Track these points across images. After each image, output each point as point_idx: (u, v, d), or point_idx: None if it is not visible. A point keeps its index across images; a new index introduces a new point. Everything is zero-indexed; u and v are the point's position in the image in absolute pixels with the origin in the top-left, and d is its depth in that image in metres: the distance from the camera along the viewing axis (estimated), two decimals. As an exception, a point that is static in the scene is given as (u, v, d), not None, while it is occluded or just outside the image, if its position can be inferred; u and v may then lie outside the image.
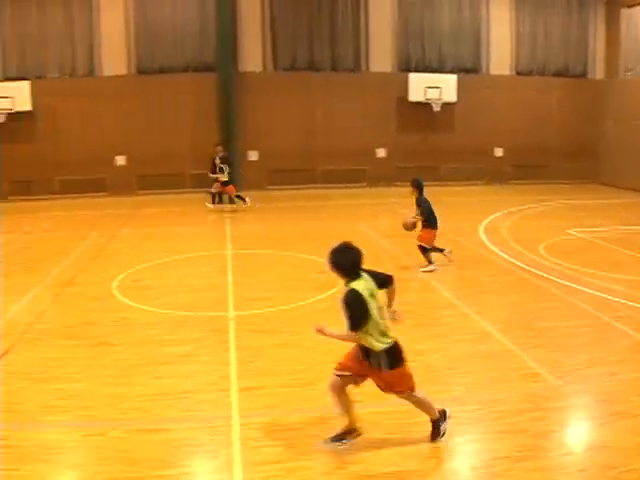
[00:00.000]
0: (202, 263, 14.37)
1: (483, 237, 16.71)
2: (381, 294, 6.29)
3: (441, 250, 13.49)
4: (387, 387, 6.27)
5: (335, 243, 6.14)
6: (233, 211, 21.46)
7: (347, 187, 25.82)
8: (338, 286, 11.73)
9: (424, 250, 13.23)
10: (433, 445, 6.42)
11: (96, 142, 25.30)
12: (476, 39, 27.47)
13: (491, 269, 13.69)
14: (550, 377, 7.99)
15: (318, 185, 25.75)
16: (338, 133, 26.21)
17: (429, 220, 13.14)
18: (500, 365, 8.44)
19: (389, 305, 6.52)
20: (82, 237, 17.37)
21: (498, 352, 8.91)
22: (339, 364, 6.30)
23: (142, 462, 6.19)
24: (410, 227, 13.18)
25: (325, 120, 26.37)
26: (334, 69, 26.58)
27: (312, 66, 26.38)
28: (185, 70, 25.76)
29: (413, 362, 8.14)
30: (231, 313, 10.65)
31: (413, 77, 26.29)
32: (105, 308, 11.23)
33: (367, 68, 26.97)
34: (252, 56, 26.09)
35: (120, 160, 25.78)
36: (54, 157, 25.39)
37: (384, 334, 6.08)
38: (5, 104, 24.56)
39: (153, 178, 25.39)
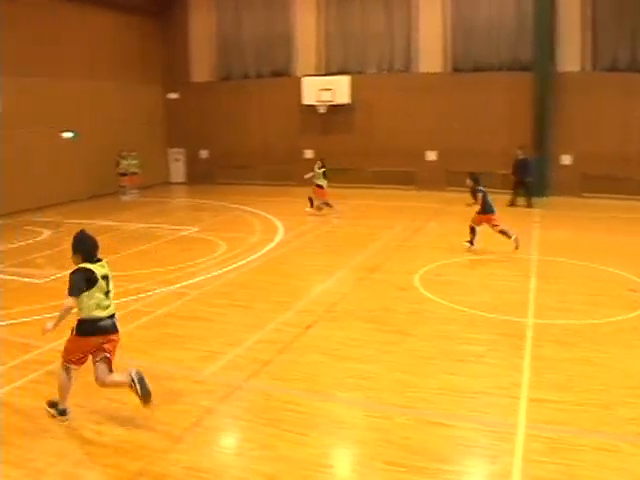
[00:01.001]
0: (505, 265, 14.07)
1: None
2: None
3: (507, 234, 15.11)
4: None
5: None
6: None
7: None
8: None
9: (472, 230, 15.20)
10: None
11: (408, 136, 26.04)
12: None
13: None
14: None
15: (636, 196, 23.81)
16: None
17: (484, 206, 14.99)
18: None
19: None
20: (389, 227, 17.96)
21: None
22: None
23: (422, 452, 6.24)
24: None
25: (645, 126, 24.28)
26: (660, 70, 24.30)
27: (634, 67, 24.36)
28: (500, 68, 25.27)
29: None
30: (530, 320, 10.27)
31: None
32: (405, 298, 11.50)
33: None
34: (570, 55, 24.69)
35: (431, 155, 26.20)
36: (368, 148, 26.60)
37: (102, 308, 6.93)
38: (327, 96, 26.46)
39: (461, 175, 25.39)
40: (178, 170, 31.25)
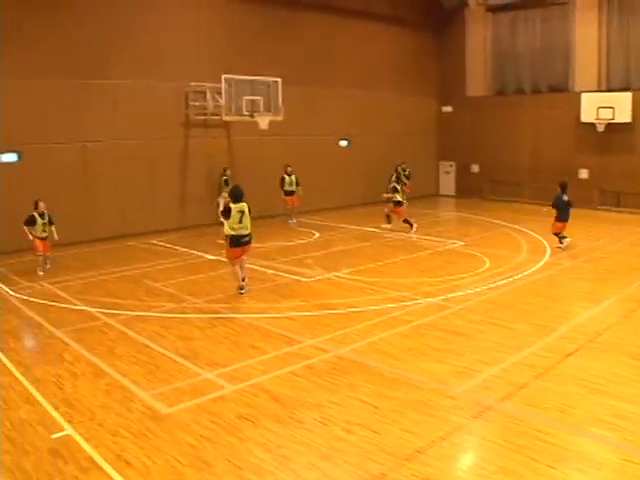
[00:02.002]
0: None
1: None
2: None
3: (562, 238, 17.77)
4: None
5: None
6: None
7: None
8: None
9: (557, 235, 17.79)
10: None
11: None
12: None
13: None
14: None
15: None
16: None
17: (558, 214, 17.66)
18: None
19: None
20: (666, 257, 16.70)
21: None
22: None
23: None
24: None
25: None
26: None
27: None
28: None
29: None
30: None
31: None
32: (678, 337, 10.63)
33: None
34: None
35: None
36: (649, 171, 24.83)
37: (235, 230, 12.82)
38: (606, 114, 24.92)
39: None
40: (448, 183, 31.51)
